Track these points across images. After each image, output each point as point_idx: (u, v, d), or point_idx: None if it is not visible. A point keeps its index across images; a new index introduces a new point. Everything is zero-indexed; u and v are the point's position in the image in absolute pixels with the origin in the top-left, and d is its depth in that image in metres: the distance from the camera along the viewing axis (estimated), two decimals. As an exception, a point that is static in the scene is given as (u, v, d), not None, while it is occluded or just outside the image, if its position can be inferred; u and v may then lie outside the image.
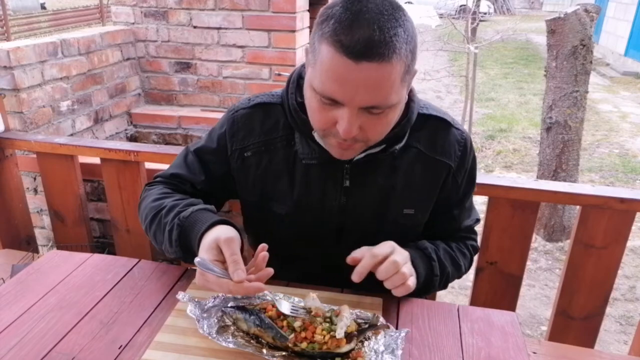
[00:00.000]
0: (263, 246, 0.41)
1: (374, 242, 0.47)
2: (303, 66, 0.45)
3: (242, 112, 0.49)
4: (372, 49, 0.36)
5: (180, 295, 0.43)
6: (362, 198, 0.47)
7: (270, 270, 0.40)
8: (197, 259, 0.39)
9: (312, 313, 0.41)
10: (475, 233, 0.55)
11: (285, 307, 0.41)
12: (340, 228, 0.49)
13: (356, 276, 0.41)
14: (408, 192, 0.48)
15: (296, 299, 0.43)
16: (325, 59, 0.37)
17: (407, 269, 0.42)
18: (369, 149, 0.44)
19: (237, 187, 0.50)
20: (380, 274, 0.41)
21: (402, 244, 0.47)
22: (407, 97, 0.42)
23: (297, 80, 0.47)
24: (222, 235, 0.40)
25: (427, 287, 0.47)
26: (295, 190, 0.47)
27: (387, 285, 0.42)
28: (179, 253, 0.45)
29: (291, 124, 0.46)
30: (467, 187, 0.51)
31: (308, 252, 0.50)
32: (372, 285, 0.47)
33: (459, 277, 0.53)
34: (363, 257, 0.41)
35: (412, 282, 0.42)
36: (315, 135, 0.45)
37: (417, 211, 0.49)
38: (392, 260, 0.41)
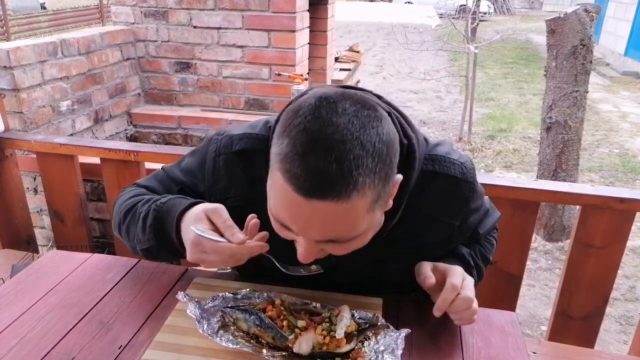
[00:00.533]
0: (252, 215, 0.39)
1: (367, 289, 0.45)
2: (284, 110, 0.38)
3: (224, 157, 0.44)
4: (325, 187, 0.30)
5: (180, 295, 0.43)
6: (353, 262, 0.42)
7: (266, 233, 0.38)
8: (192, 227, 0.37)
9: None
10: (495, 230, 0.53)
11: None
12: (332, 280, 0.45)
13: (438, 312, 0.39)
14: (405, 255, 0.44)
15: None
16: (276, 184, 0.33)
17: (476, 303, 0.40)
18: None
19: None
20: (453, 309, 0.40)
21: (396, 285, 0.45)
22: (390, 203, 0.36)
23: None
24: (208, 206, 0.39)
25: None
26: (279, 248, 0.42)
27: (453, 317, 0.41)
28: (151, 241, 0.42)
29: None
30: (475, 223, 0.47)
31: (300, 284, 0.47)
32: (372, 287, 0.47)
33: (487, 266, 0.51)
34: (441, 287, 0.39)
35: (476, 316, 0.41)
36: None
37: (412, 269, 0.45)
38: (465, 297, 0.39)
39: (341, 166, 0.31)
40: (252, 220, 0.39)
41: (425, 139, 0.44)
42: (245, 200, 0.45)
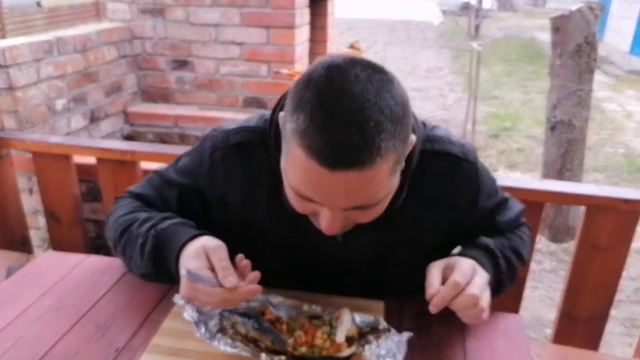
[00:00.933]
0: (241, 257, 0.38)
1: (374, 287, 0.44)
2: (284, 100, 0.37)
3: (221, 152, 0.43)
4: (350, 157, 0.30)
5: (177, 298, 0.42)
6: (358, 252, 0.43)
7: (258, 273, 0.38)
8: (183, 270, 0.37)
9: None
10: (523, 217, 0.49)
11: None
12: (337, 279, 0.45)
13: (434, 308, 0.37)
14: (410, 240, 0.43)
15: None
16: (296, 160, 0.33)
17: (485, 301, 0.37)
18: None
19: (217, 231, 0.45)
20: (455, 306, 0.37)
21: (403, 282, 0.44)
22: (403, 164, 0.36)
23: (278, 124, 0.38)
24: (209, 243, 0.38)
25: (498, 288, 0.41)
26: (283, 243, 0.43)
27: (459, 314, 0.38)
28: (149, 268, 0.42)
29: (276, 173, 0.39)
30: (488, 209, 0.45)
31: (302, 289, 0.46)
32: (374, 290, 0.46)
33: (523, 265, 0.47)
34: (443, 285, 0.36)
35: (486, 314, 0.37)
36: None
37: (419, 254, 0.43)
38: (470, 294, 0.36)
39: (363, 134, 0.30)
40: (243, 262, 0.38)
41: (423, 123, 0.44)
42: (245, 194, 0.44)
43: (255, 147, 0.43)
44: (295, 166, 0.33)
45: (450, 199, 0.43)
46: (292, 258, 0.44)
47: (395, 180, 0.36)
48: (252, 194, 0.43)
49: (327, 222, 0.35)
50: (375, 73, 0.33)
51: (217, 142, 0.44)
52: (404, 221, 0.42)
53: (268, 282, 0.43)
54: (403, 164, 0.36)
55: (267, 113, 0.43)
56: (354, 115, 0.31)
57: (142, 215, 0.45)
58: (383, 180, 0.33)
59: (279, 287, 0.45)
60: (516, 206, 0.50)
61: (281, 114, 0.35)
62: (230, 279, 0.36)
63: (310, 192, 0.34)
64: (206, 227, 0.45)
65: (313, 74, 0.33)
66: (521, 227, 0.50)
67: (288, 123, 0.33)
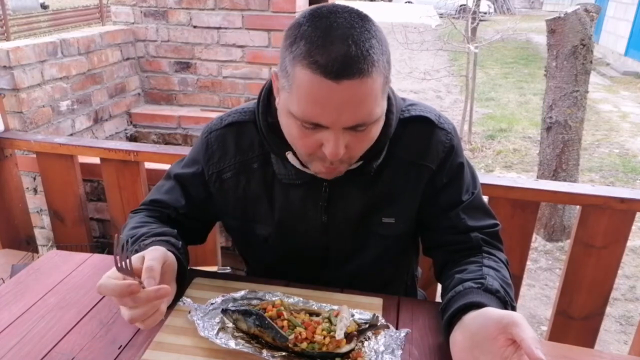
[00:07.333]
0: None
1: (360, 259, 0.46)
2: (272, 83, 0.42)
3: (215, 133, 0.47)
4: (352, 66, 0.34)
5: (180, 303, 0.43)
6: (343, 215, 0.45)
7: (168, 288, 0.36)
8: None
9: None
10: (496, 240, 0.47)
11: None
12: (325, 247, 0.47)
13: None
14: (388, 201, 0.45)
15: None
16: (302, 82, 0.35)
17: None
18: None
19: (218, 210, 0.48)
20: None
21: (388, 257, 0.46)
22: (389, 90, 0.40)
23: (268, 98, 0.44)
24: (152, 251, 0.38)
25: None
26: (275, 211, 0.46)
27: None
28: None
29: (265, 146, 0.44)
30: (456, 187, 0.46)
31: (296, 271, 0.48)
32: (372, 286, 0.47)
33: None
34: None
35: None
36: (289, 156, 0.43)
37: (397, 219, 0.46)
38: None
39: (359, 47, 0.35)
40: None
41: (403, 99, 0.47)
42: (240, 167, 0.47)
43: (246, 125, 0.46)
44: (302, 91, 0.36)
45: (422, 160, 0.45)
46: (283, 224, 0.46)
47: (385, 104, 0.39)
48: (245, 166, 0.46)
49: (332, 145, 0.37)
50: (356, 12, 0.37)
51: (212, 126, 0.49)
52: (383, 183, 0.45)
53: (264, 259, 0.45)
54: (388, 90, 0.40)
55: (254, 101, 0.46)
56: (347, 33, 0.35)
57: (143, 230, 0.45)
58: (378, 95, 0.37)
59: (275, 265, 0.46)
60: (487, 218, 0.48)
61: (273, 69, 0.40)
62: (150, 280, 0.35)
63: (318, 111, 0.36)
64: (212, 213, 0.47)
65: (299, 18, 0.37)
66: (494, 250, 0.46)
67: (287, 58, 0.36)
